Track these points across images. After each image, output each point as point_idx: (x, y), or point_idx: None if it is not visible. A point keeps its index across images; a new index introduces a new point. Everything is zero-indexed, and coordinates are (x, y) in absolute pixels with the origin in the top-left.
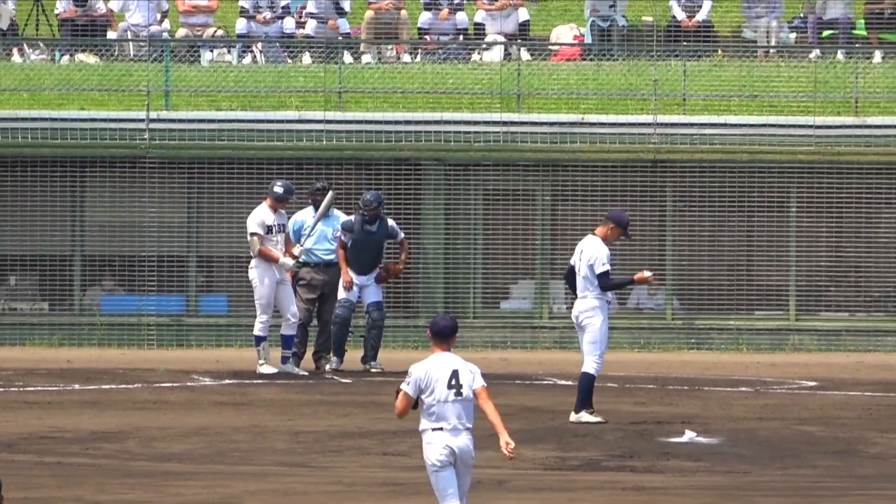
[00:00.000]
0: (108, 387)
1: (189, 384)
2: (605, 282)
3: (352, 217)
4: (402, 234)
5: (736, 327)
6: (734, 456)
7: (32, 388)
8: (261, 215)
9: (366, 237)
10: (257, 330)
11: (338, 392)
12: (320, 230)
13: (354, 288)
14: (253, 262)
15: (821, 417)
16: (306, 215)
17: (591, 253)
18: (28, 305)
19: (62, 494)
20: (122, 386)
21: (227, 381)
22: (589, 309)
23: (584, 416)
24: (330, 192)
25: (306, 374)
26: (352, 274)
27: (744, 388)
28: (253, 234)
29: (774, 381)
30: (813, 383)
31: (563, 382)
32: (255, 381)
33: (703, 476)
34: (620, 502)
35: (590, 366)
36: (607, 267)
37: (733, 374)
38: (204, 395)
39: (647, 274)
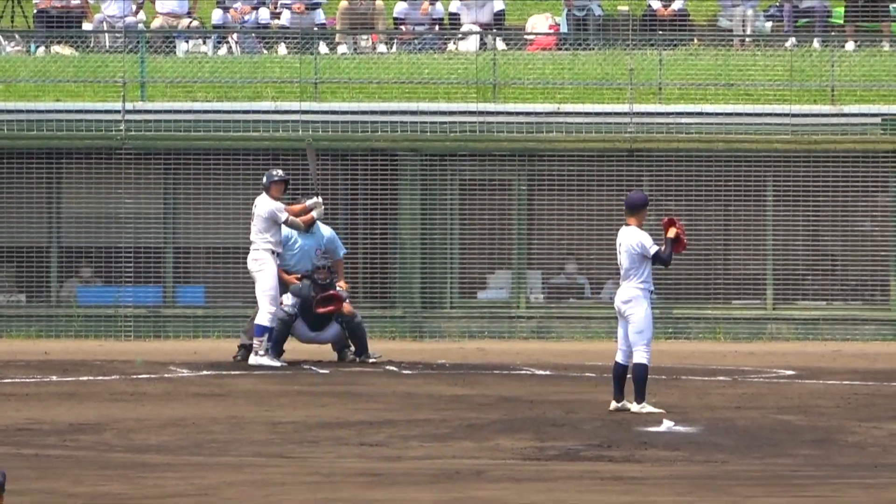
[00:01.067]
0: (85, 378)
1: (167, 375)
2: (662, 258)
3: (301, 283)
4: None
5: (713, 316)
6: (712, 445)
7: (9, 380)
8: (274, 203)
9: (312, 304)
10: (264, 320)
11: (315, 383)
12: (302, 245)
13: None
14: (253, 254)
15: (799, 406)
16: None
17: (633, 240)
18: (5, 297)
19: (40, 486)
20: (100, 378)
21: (204, 373)
22: (632, 298)
23: (647, 407)
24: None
25: (284, 364)
26: (302, 327)
27: (721, 378)
28: (285, 215)
29: (752, 371)
30: (791, 372)
31: (541, 372)
32: (232, 373)
33: (682, 465)
34: (599, 492)
35: (640, 356)
36: (655, 246)
37: (711, 363)
38: (181, 387)
39: (673, 231)
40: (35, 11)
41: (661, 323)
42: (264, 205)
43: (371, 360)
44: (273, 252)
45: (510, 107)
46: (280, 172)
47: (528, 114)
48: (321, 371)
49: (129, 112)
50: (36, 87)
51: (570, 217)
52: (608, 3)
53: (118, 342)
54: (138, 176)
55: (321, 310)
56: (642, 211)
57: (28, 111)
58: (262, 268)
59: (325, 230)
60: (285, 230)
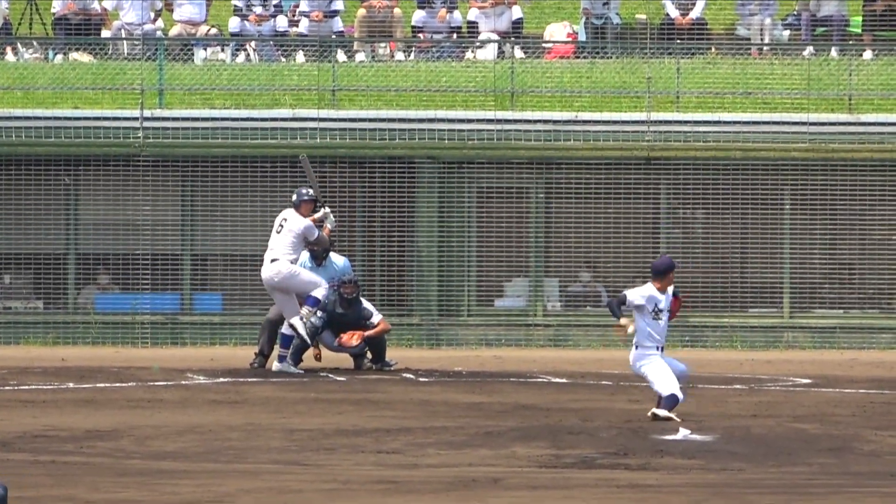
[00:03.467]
0: (102, 385)
1: (183, 382)
2: (610, 300)
3: (326, 293)
4: (379, 317)
5: (730, 324)
6: (728, 453)
7: (27, 387)
8: (306, 220)
9: (338, 317)
10: (319, 294)
11: (332, 390)
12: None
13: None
14: (277, 265)
15: (815, 415)
16: (299, 262)
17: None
18: (22, 304)
19: (56, 493)
20: (117, 384)
21: (221, 380)
22: (636, 360)
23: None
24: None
25: (302, 372)
26: (328, 337)
27: (738, 386)
28: (317, 232)
29: (769, 379)
30: (807, 380)
31: (557, 380)
32: (249, 380)
33: (698, 474)
34: (615, 500)
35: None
36: (626, 295)
37: (727, 371)
38: (198, 394)
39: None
40: (54, 18)
41: (678, 331)
42: (297, 222)
43: (388, 368)
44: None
45: (528, 115)
46: (311, 192)
47: (545, 122)
48: (338, 378)
49: (147, 119)
50: (54, 94)
51: (587, 225)
52: (626, 12)
53: (135, 349)
54: (156, 183)
55: (344, 341)
56: (668, 275)
57: (46, 118)
58: (292, 271)
59: (339, 259)
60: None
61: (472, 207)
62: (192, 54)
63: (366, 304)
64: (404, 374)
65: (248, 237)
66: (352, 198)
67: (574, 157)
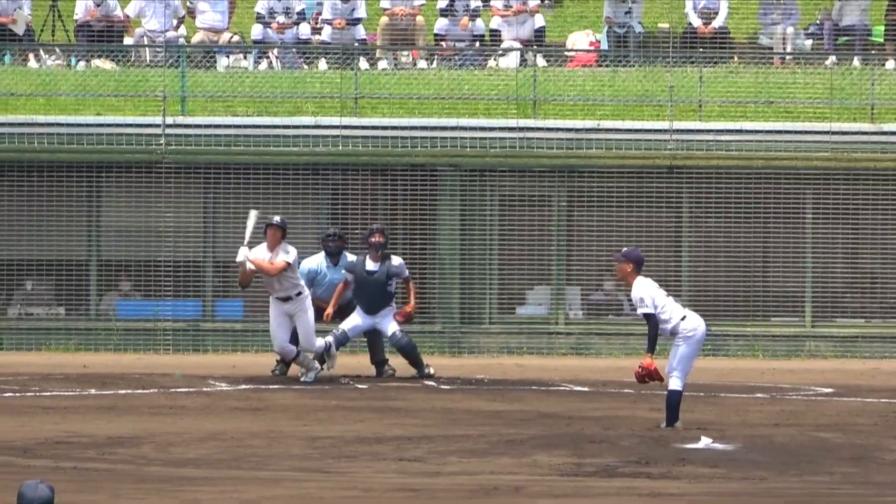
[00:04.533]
0: (124, 392)
1: (205, 389)
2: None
3: (354, 258)
4: (408, 273)
5: (752, 334)
6: (750, 462)
7: (49, 393)
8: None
9: (367, 277)
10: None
11: (354, 397)
12: (329, 280)
13: (360, 322)
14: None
15: (837, 424)
16: (316, 261)
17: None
18: (44, 310)
19: (78, 499)
20: (139, 391)
21: (243, 387)
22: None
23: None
24: (252, 213)
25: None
26: (359, 314)
27: (760, 395)
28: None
29: (790, 388)
30: (829, 390)
31: (579, 388)
32: (270, 387)
33: (720, 482)
34: None
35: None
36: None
37: (749, 380)
38: (220, 401)
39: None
40: (76, 25)
41: None
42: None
43: (429, 374)
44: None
45: (550, 123)
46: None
47: (567, 130)
48: (359, 386)
49: (169, 126)
50: (77, 100)
51: (609, 233)
52: (648, 21)
53: (157, 356)
54: (178, 190)
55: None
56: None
57: (69, 125)
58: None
59: (395, 260)
60: (312, 265)
61: (494, 215)
62: (215, 61)
63: (395, 259)
64: (426, 382)
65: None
66: (374, 205)
67: (596, 166)
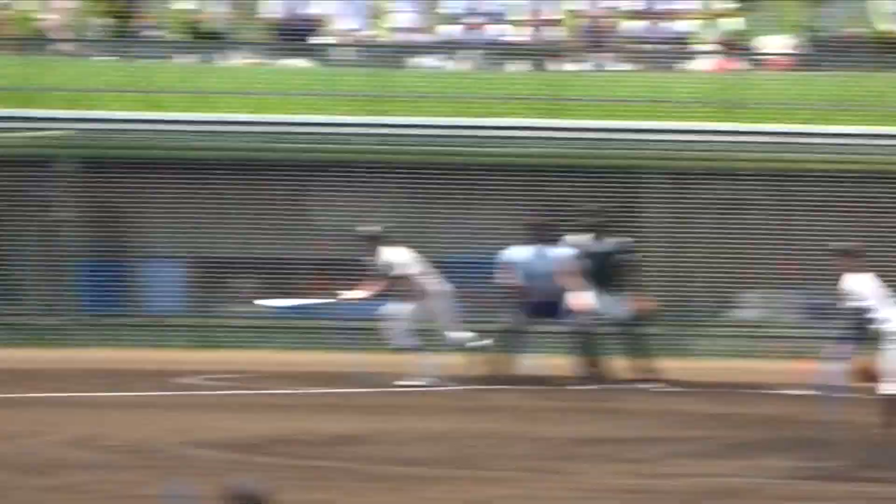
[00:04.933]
0: (346, 390)
1: (427, 389)
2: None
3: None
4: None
5: None
6: None
7: (271, 392)
8: None
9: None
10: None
11: (574, 399)
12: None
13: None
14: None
15: None
16: (521, 250)
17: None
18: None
19: (311, 498)
20: (361, 389)
21: (466, 387)
22: None
23: None
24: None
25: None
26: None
27: None
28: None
29: None
30: None
31: (798, 392)
32: (494, 387)
33: None
34: None
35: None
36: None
37: None
38: (443, 400)
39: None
40: (271, 24)
41: None
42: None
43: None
44: None
45: (755, 127)
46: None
47: (774, 134)
48: (580, 388)
49: (366, 126)
50: (274, 100)
51: (823, 238)
52: (849, 24)
53: (379, 354)
54: (386, 190)
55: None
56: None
57: (272, 123)
58: None
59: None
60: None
61: (704, 218)
62: (412, 61)
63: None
64: (643, 385)
65: (483, 242)
66: (579, 208)
67: (812, 171)
